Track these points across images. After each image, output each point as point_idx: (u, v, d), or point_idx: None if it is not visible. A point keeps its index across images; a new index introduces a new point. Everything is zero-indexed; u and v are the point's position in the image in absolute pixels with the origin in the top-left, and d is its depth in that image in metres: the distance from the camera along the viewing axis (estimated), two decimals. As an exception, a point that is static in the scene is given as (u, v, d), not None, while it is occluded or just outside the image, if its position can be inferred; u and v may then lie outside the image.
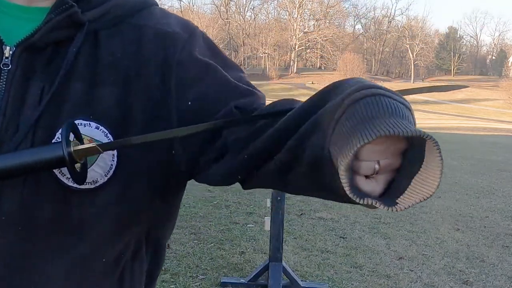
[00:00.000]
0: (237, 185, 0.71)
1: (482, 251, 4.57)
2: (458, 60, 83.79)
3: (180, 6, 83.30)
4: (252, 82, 0.81)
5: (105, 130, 0.64)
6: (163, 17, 0.74)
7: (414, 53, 79.41)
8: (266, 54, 76.91)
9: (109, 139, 0.64)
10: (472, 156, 12.92)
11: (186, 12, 71.05)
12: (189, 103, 0.67)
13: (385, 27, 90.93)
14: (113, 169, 0.65)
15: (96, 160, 0.64)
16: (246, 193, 6.14)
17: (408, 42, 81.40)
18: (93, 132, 0.64)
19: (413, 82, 76.03)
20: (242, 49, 74.10)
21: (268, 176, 0.62)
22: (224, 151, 0.66)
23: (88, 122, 0.64)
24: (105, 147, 0.59)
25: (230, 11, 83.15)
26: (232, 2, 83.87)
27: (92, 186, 0.64)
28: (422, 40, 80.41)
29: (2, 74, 0.65)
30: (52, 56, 0.66)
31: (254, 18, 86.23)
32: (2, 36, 0.66)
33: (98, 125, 0.64)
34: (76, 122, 0.62)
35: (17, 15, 0.69)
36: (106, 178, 0.65)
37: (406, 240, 4.72)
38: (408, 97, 0.54)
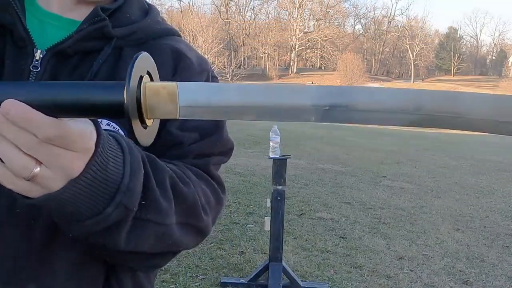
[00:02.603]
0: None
1: (482, 251, 4.57)
2: (458, 60, 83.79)
3: (180, 6, 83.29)
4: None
5: (115, 126, 0.69)
6: (185, 45, 0.82)
7: (414, 53, 79.41)
8: (266, 54, 76.89)
9: (120, 135, 0.64)
10: (472, 156, 12.93)
11: (186, 12, 71.02)
12: (171, 133, 0.72)
13: (385, 27, 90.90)
14: None
15: None
16: (246, 193, 6.14)
17: (408, 42, 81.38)
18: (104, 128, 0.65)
19: (413, 82, 76.05)
20: (242, 49, 74.08)
21: None
22: None
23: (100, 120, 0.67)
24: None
25: (230, 11, 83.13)
26: (232, 2, 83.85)
27: None
28: (422, 40, 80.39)
29: (31, 75, 0.69)
30: (78, 64, 0.71)
31: (254, 18, 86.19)
32: (35, 40, 0.70)
33: (109, 122, 0.68)
34: None
35: (49, 22, 0.74)
36: None
37: (406, 240, 4.72)
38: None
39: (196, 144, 0.74)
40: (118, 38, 0.73)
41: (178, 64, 0.76)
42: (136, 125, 0.45)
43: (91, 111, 0.45)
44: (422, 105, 0.45)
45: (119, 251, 0.60)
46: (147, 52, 0.70)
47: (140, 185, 0.56)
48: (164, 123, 0.71)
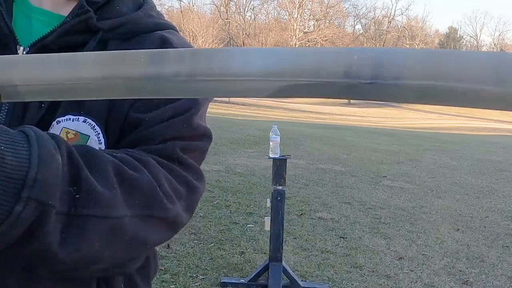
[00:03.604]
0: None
1: (482, 251, 4.57)
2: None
3: (180, 6, 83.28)
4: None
5: (91, 123, 0.67)
6: (178, 37, 0.78)
7: (414, 53, 79.37)
8: (266, 54, 76.84)
9: (96, 130, 0.67)
10: (472, 156, 12.92)
11: (186, 12, 71.00)
12: (129, 116, 0.69)
13: (385, 27, 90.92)
14: None
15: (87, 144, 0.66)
16: (246, 193, 6.14)
17: (408, 42, 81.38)
18: (80, 125, 0.66)
19: (413, 82, 76.07)
20: (242, 49, 74.00)
21: None
22: None
23: (77, 116, 0.66)
24: None
25: (230, 11, 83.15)
26: (232, 2, 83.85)
27: None
28: (422, 40, 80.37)
29: None
30: None
31: (254, 18, 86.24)
32: (18, 36, 0.69)
33: (86, 118, 0.67)
34: (66, 117, 0.66)
35: (37, 18, 0.71)
36: None
37: (406, 240, 4.72)
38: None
39: (159, 126, 0.68)
40: (105, 31, 0.70)
41: None
42: None
43: None
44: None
45: (60, 257, 0.53)
46: (134, 45, 0.70)
47: (55, 176, 0.49)
48: (127, 110, 0.69)
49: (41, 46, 0.68)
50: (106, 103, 0.67)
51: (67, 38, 0.68)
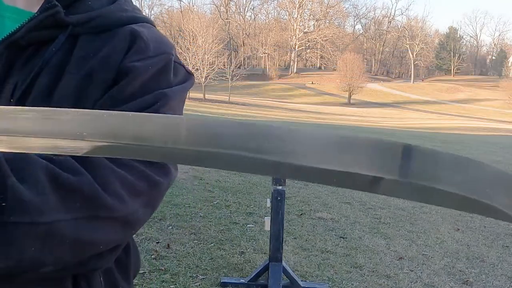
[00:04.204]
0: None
1: (482, 251, 4.57)
2: (458, 60, 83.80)
3: (180, 6, 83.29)
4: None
5: None
6: (150, 30, 0.77)
7: (414, 53, 79.40)
8: (266, 54, 76.86)
9: None
10: (472, 156, 12.92)
11: (186, 12, 70.99)
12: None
13: (385, 27, 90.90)
14: None
15: None
16: (246, 193, 6.14)
17: (408, 42, 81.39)
18: None
19: (413, 82, 76.01)
20: (242, 49, 74.08)
21: None
22: None
23: None
24: None
25: (230, 11, 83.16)
26: (232, 2, 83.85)
27: None
28: (422, 40, 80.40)
29: None
30: (31, 54, 0.70)
31: (254, 18, 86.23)
32: None
33: None
34: None
35: (10, 16, 0.72)
36: None
37: (406, 240, 4.72)
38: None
39: None
40: (74, 26, 0.71)
41: (132, 46, 0.72)
42: None
43: None
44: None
45: None
46: (105, 39, 0.71)
47: None
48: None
49: (10, 42, 0.69)
50: (72, 103, 0.68)
51: (35, 33, 0.69)
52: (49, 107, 0.64)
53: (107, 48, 0.71)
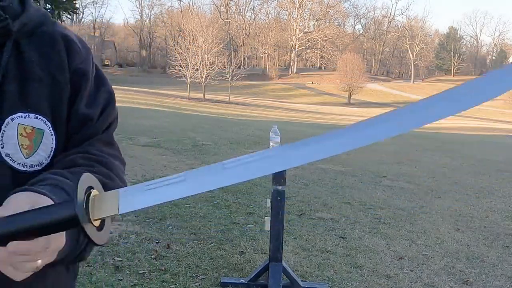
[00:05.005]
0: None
1: (482, 251, 4.57)
2: (458, 60, 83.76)
3: (180, 6, 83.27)
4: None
5: (43, 119, 0.77)
6: (66, 29, 0.88)
7: (414, 53, 79.37)
8: (266, 54, 76.83)
9: (48, 125, 0.78)
10: (472, 156, 12.92)
11: (186, 12, 70.95)
12: (78, 112, 0.82)
13: (385, 27, 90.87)
14: (53, 151, 0.78)
15: (40, 144, 0.77)
16: (246, 193, 6.14)
17: (408, 42, 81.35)
18: (34, 121, 0.76)
19: (413, 82, 75.97)
20: (242, 49, 74.03)
21: None
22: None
23: (27, 114, 0.76)
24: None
25: (230, 11, 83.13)
26: (232, 2, 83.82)
27: (39, 168, 0.77)
28: (422, 40, 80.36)
29: None
30: None
31: (254, 18, 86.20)
32: None
33: (37, 115, 0.76)
34: (17, 115, 0.74)
35: None
36: (49, 160, 0.78)
37: (406, 240, 4.72)
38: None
39: (101, 119, 0.84)
40: (15, 32, 0.78)
41: (70, 50, 0.83)
42: (88, 228, 0.54)
43: (48, 230, 0.55)
44: None
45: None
46: (39, 42, 0.81)
47: None
48: (72, 105, 0.81)
49: None
50: (48, 103, 0.78)
51: None
52: (30, 112, 0.76)
53: (50, 51, 0.81)
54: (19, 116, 0.75)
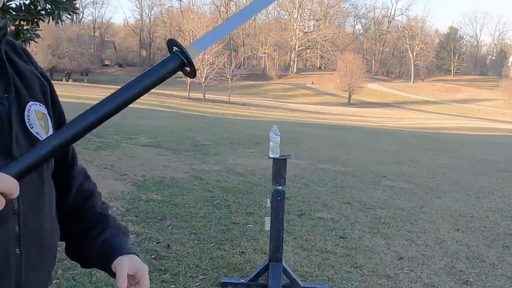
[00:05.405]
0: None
1: (482, 251, 4.57)
2: (458, 60, 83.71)
3: (180, 6, 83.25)
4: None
5: (44, 107, 0.92)
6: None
7: (414, 53, 79.32)
8: (266, 54, 76.82)
9: (48, 113, 0.93)
10: (472, 156, 12.92)
11: (186, 12, 70.95)
12: (57, 112, 0.98)
13: (385, 27, 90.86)
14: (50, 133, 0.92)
15: (49, 126, 0.91)
16: (246, 193, 6.14)
17: (408, 42, 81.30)
18: (42, 108, 0.91)
19: (413, 82, 75.95)
20: (242, 49, 74.01)
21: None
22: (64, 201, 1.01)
23: (36, 103, 0.91)
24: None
25: (230, 11, 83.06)
26: (232, 2, 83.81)
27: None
28: (422, 40, 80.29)
29: None
30: None
31: (254, 18, 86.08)
32: None
33: (40, 103, 0.92)
34: (31, 103, 0.89)
35: None
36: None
37: (406, 240, 4.72)
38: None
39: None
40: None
41: (30, 57, 0.96)
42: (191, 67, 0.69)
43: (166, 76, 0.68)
44: None
45: None
46: (10, 48, 0.93)
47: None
48: (50, 102, 0.96)
49: None
50: (39, 98, 0.92)
51: None
52: (37, 101, 0.91)
53: (21, 57, 0.93)
54: (33, 104, 0.90)
